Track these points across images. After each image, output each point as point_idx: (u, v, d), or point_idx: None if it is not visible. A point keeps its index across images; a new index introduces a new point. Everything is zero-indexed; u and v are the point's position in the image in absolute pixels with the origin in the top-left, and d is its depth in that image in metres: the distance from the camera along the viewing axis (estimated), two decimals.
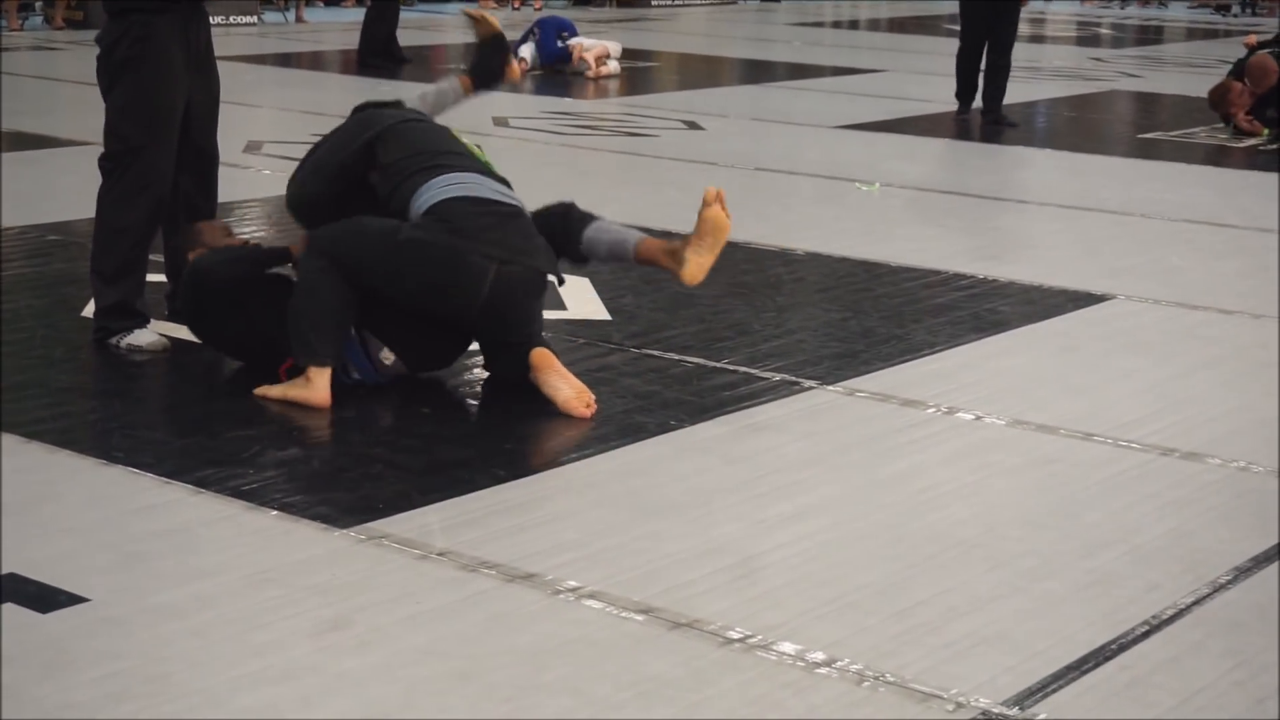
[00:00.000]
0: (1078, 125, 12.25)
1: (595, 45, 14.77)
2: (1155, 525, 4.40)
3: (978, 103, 12.04)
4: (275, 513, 4.28)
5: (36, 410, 5.07)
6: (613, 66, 14.65)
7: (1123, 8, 24.75)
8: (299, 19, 19.32)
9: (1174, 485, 4.71)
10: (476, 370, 5.66)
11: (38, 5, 18.06)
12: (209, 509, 4.31)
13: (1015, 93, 12.38)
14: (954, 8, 24.03)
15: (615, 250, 5.60)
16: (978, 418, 5.26)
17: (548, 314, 6.32)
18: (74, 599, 3.70)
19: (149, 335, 5.78)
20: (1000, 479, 4.76)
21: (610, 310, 6.44)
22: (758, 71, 15.89)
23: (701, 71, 16.18)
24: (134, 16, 5.74)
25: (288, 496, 4.39)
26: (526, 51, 14.68)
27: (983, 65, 11.92)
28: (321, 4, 21.18)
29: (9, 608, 3.65)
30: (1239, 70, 11.71)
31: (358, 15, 20.21)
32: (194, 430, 5.04)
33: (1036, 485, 4.72)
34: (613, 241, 5.62)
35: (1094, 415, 5.31)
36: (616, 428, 5.07)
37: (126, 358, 5.67)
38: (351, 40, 17.65)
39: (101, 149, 5.91)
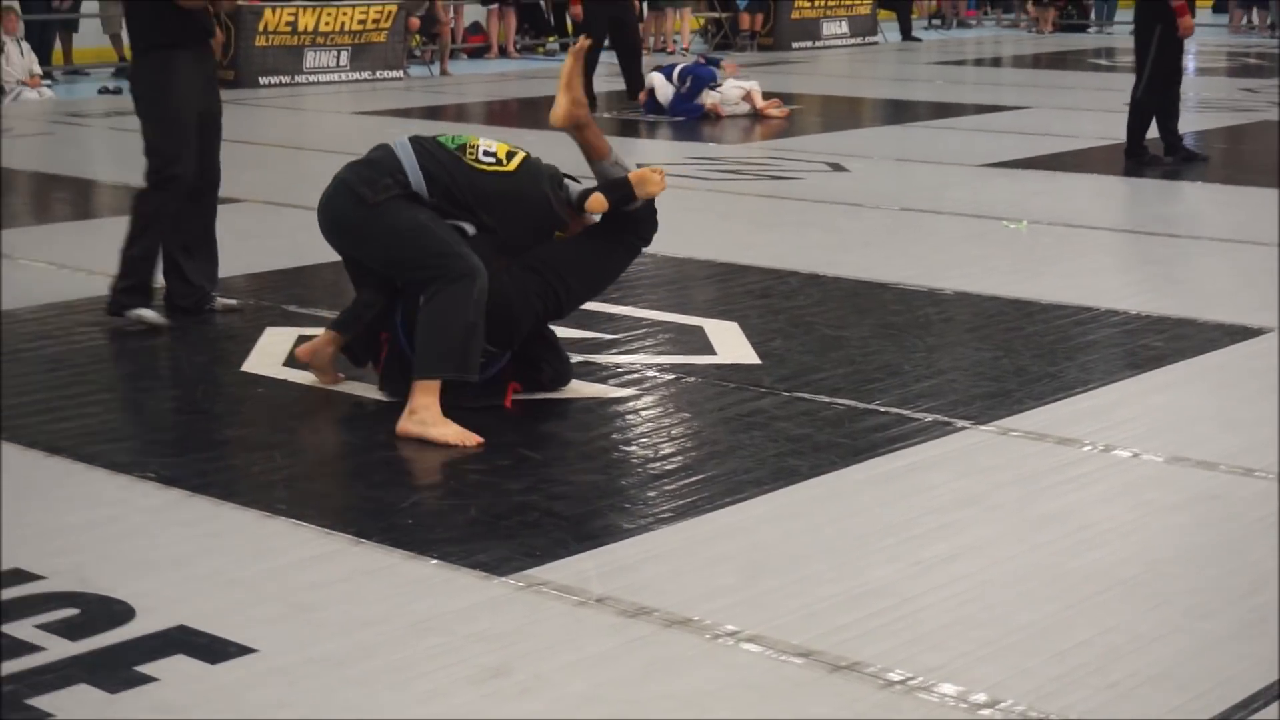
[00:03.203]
0: (1230, 157, 12.07)
1: (738, 87, 14.80)
2: None
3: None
4: (435, 561, 4.34)
5: (200, 464, 5.17)
6: (782, 108, 14.71)
7: (1273, 35, 24.40)
8: (443, 72, 19.57)
9: None
10: (619, 408, 5.70)
11: None
12: (370, 559, 4.37)
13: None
14: (1098, 42, 23.95)
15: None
16: (1135, 455, 5.21)
17: (697, 359, 6.38)
18: (242, 650, 3.78)
19: (152, 313, 6.84)
20: (1159, 516, 4.70)
21: (760, 354, 6.45)
22: (900, 111, 15.88)
23: (844, 113, 16.19)
24: (159, 52, 6.78)
25: (447, 545, 4.44)
26: (663, 86, 14.74)
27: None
28: (465, 56, 21.45)
29: (181, 658, 3.72)
30: None
31: (501, 67, 20.48)
32: (352, 480, 5.13)
33: (1197, 522, 4.67)
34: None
35: (1254, 450, 5.23)
36: (770, 471, 5.08)
37: (286, 409, 5.78)
38: (493, 91, 17.88)
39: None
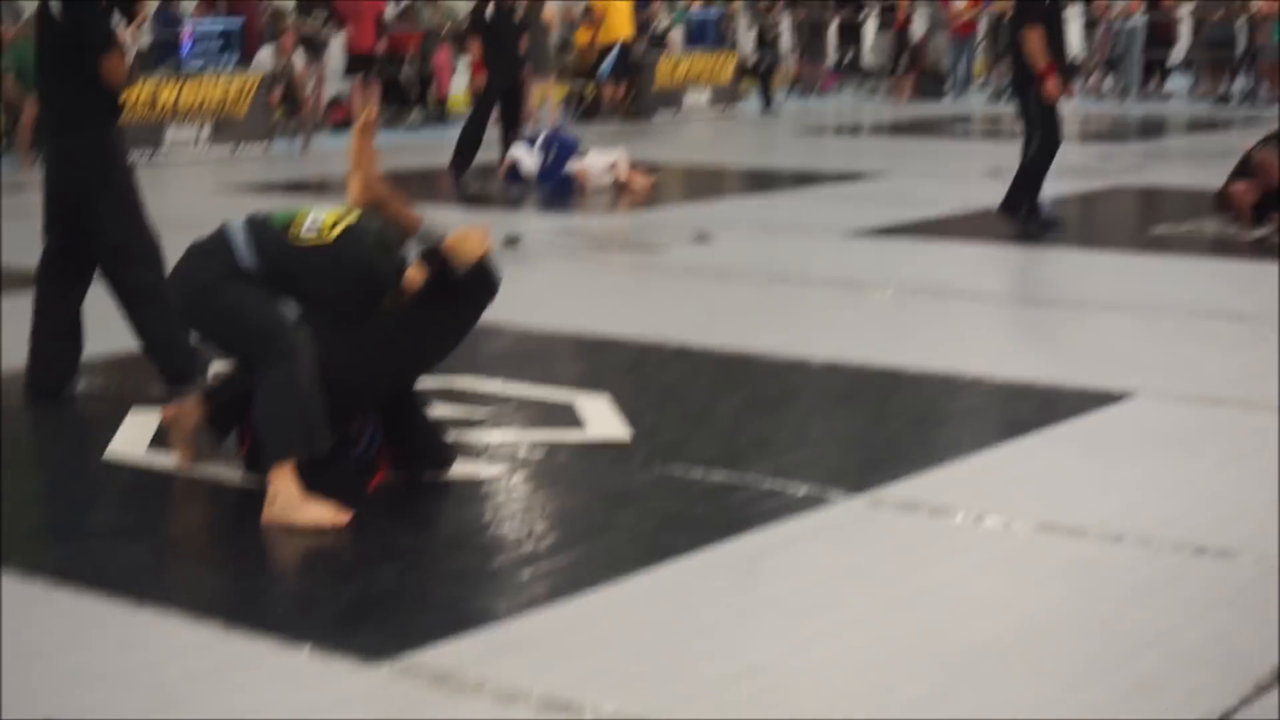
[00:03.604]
0: (1087, 221, 12.25)
1: (607, 158, 14.84)
2: (1194, 627, 4.37)
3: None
4: (308, 649, 4.25)
5: (64, 553, 5.06)
6: (647, 177, 14.75)
7: (1121, 103, 24.91)
8: (306, 146, 19.46)
9: (1210, 585, 4.68)
10: (490, 487, 5.65)
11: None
12: (241, 648, 4.28)
13: None
14: (955, 109, 24.31)
15: None
16: (1006, 524, 5.24)
17: (567, 434, 6.34)
18: None
19: None
20: (1033, 586, 4.73)
21: (631, 429, 6.42)
22: (764, 180, 15.99)
23: (708, 182, 16.27)
24: (102, 130, 6.79)
25: (320, 631, 4.36)
26: (527, 157, 14.76)
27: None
28: (328, 131, 21.36)
29: None
30: (1240, 172, 11.72)
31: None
32: (221, 567, 5.04)
33: (1070, 591, 4.69)
34: None
35: (1123, 516, 5.28)
36: (645, 548, 5.04)
37: (149, 495, 5.67)
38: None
39: None
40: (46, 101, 6.98)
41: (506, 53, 15.81)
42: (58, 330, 7.00)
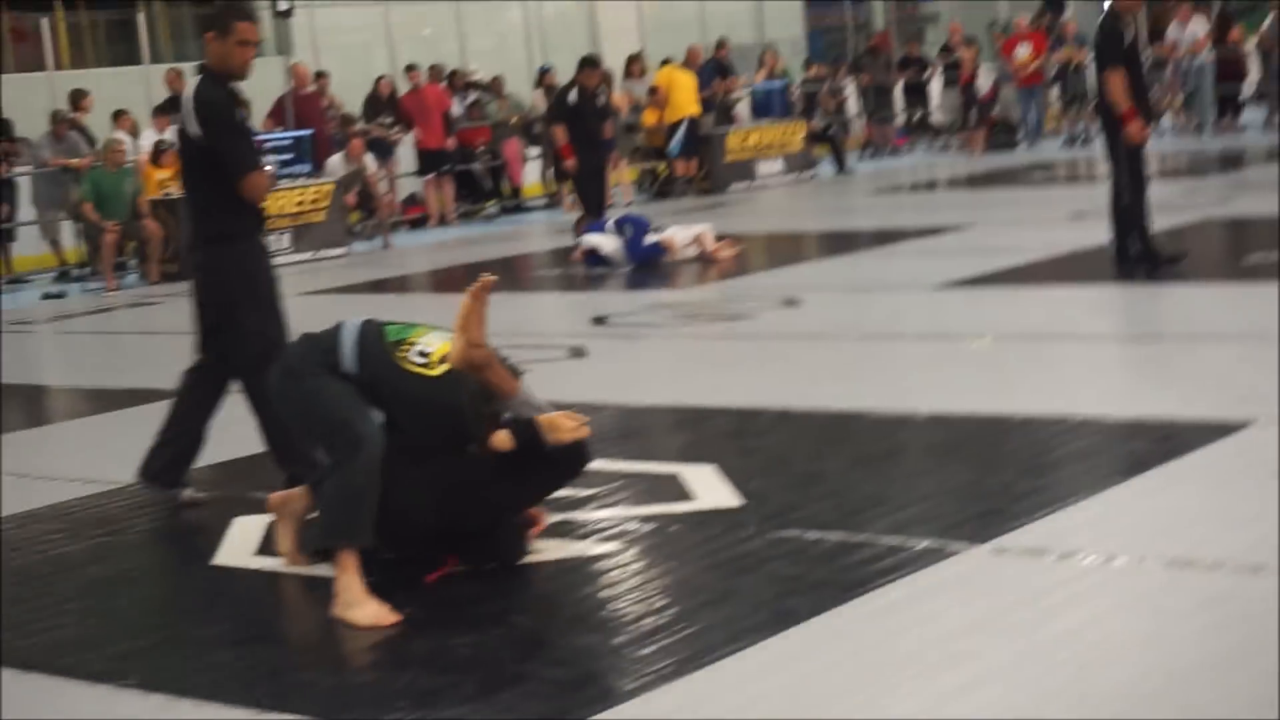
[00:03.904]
0: (1176, 248, 12.00)
1: (691, 231, 14.81)
2: None
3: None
4: None
5: (181, 665, 4.99)
6: (732, 248, 14.71)
7: (1198, 138, 24.64)
8: (386, 245, 19.55)
9: None
10: (604, 564, 5.55)
11: (132, 262, 18.35)
12: None
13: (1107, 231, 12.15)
14: (1029, 158, 24.14)
15: None
16: (1138, 561, 5.08)
17: (675, 507, 6.24)
18: None
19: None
20: (1173, 625, 4.57)
21: (741, 495, 6.31)
22: (845, 242, 15.85)
23: (789, 248, 16.17)
24: (242, 241, 6.92)
25: None
26: (603, 243, 14.74)
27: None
28: (406, 228, 21.46)
29: None
30: None
31: (442, 235, 20.48)
32: (340, 667, 4.96)
33: (1212, 627, 4.52)
34: None
35: (1257, 547, 5.11)
36: (768, 615, 4.92)
37: (261, 600, 5.62)
38: (437, 259, 17.84)
39: None
40: (193, 216, 7.17)
41: (591, 137, 15.89)
42: (184, 434, 7.12)
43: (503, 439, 5.56)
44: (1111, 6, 11.32)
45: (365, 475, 5.39)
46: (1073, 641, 4.49)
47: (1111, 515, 5.65)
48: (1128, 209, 11.31)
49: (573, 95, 16.17)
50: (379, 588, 5.31)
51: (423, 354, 5.61)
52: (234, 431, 8.55)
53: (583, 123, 15.95)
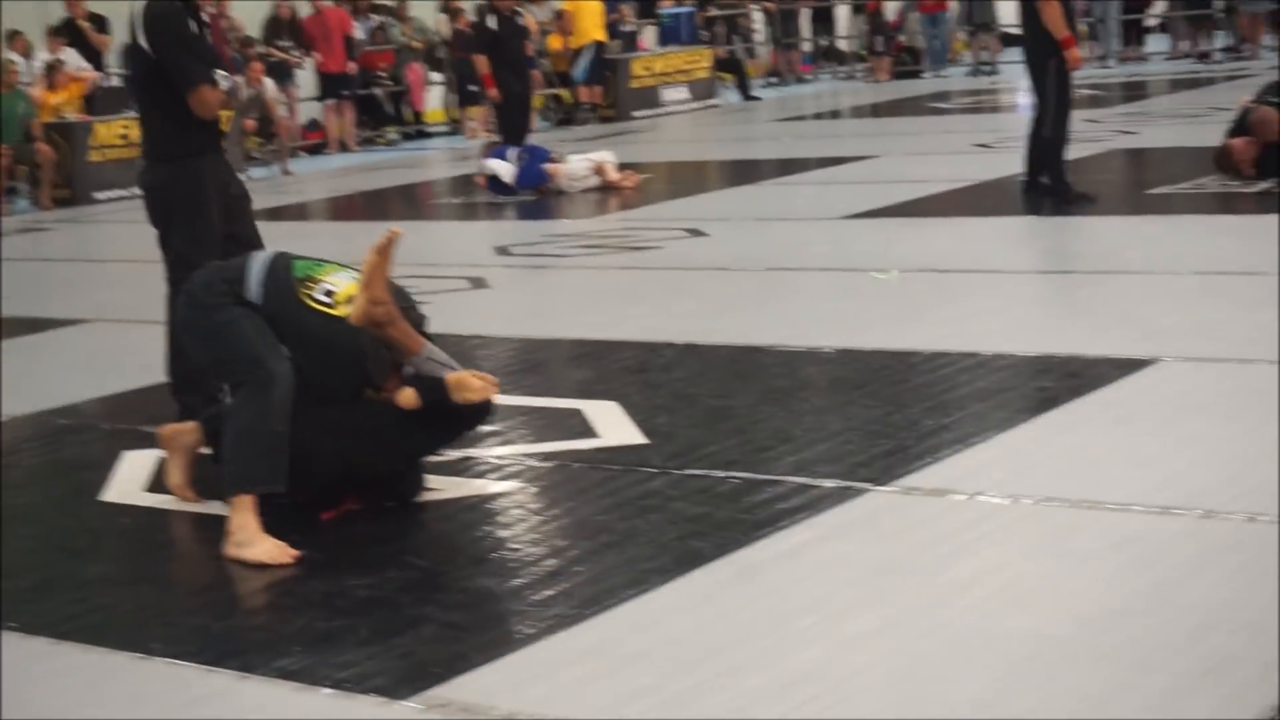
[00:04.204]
0: (1086, 187, 11.96)
1: (586, 160, 14.66)
2: (1258, 598, 4.14)
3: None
4: (328, 691, 4.03)
5: (66, 607, 4.83)
6: (633, 177, 14.56)
7: (1102, 66, 24.66)
8: (285, 171, 19.24)
9: (1268, 552, 4.45)
10: (504, 503, 5.43)
11: (24, 187, 17.96)
12: (260, 695, 4.06)
13: (1016, 162, 12.11)
14: (934, 86, 24.11)
15: None
16: (1046, 501, 5.01)
17: (577, 444, 6.12)
18: None
19: None
20: (1082, 566, 4.50)
21: (645, 433, 6.20)
22: (750, 171, 15.75)
23: (693, 177, 16.06)
24: (187, 161, 6.68)
25: (339, 672, 4.14)
26: (502, 169, 14.54)
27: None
28: (305, 154, 21.14)
29: None
30: (1238, 129, 11.49)
31: (343, 162, 20.18)
32: (231, 610, 4.82)
33: (1122, 569, 4.46)
34: None
35: (1167, 486, 5.06)
36: (673, 556, 4.82)
37: (150, 538, 5.46)
38: (336, 186, 17.58)
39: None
40: (143, 134, 6.98)
41: (514, 62, 15.52)
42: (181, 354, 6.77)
43: (409, 397, 5.41)
44: None
45: (277, 416, 5.22)
46: (980, 585, 4.41)
47: (1019, 454, 5.57)
48: (1049, 141, 11.26)
49: (491, 20, 15.81)
50: (270, 528, 5.16)
51: (328, 292, 5.46)
52: (125, 362, 8.38)
53: (504, 48, 15.56)
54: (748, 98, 24.89)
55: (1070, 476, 5.25)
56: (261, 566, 5.02)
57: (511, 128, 15.52)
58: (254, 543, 5.10)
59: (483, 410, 5.56)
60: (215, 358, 5.49)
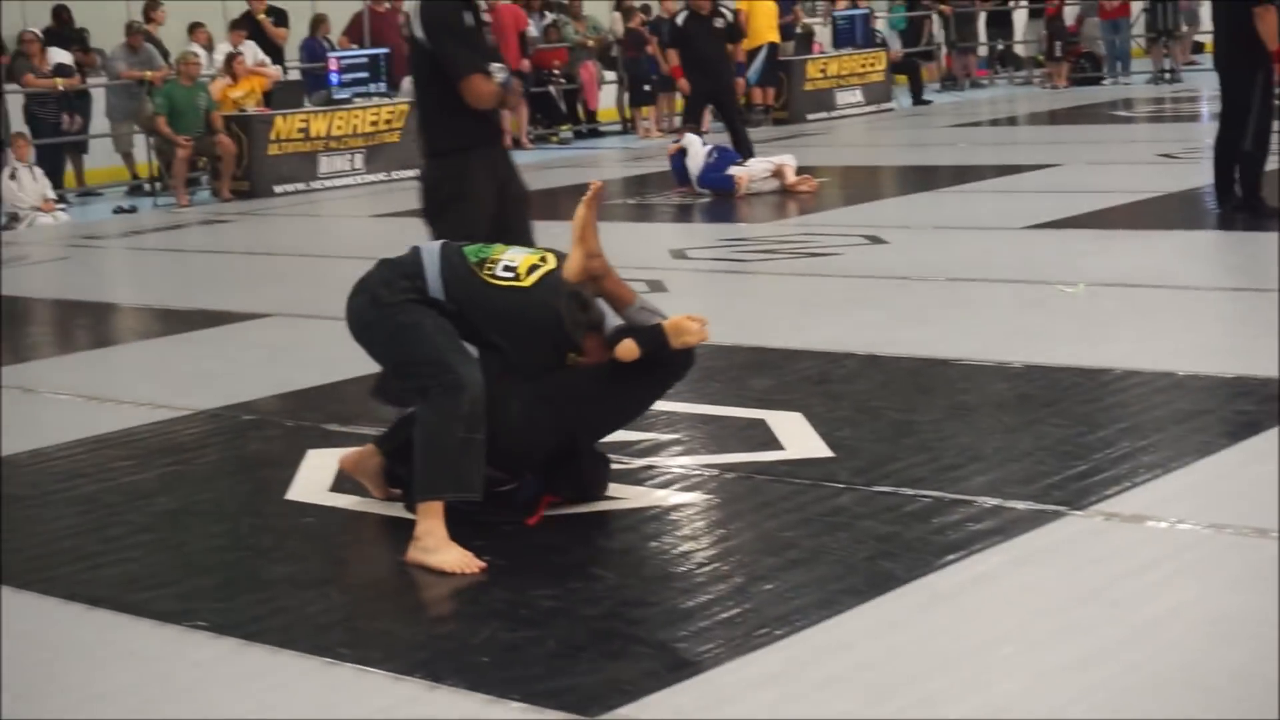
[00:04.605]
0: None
1: (767, 163, 14.57)
2: None
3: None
4: (518, 704, 3.98)
5: (252, 608, 4.83)
6: (811, 182, 14.48)
7: None
8: None
9: None
10: (688, 514, 5.36)
11: (204, 179, 18.23)
12: (448, 706, 4.02)
13: (1203, 174, 11.79)
14: (1113, 94, 23.69)
15: None
16: (1257, 533, 4.83)
17: (761, 455, 6.04)
18: None
19: None
20: None
21: (830, 446, 6.09)
22: (928, 178, 15.55)
23: (870, 183, 15.90)
24: (457, 155, 6.70)
25: (529, 685, 4.08)
26: (696, 149, 14.49)
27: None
28: None
29: None
30: None
31: (517, 159, 20.29)
32: (417, 616, 4.80)
33: None
34: None
35: None
36: (864, 577, 4.71)
37: (336, 541, 5.46)
38: None
39: None
40: (420, 129, 7.08)
41: (702, 61, 15.44)
42: None
43: (629, 348, 5.34)
44: None
45: (469, 422, 5.15)
46: (1187, 618, 4.26)
47: (1221, 481, 5.40)
48: (1250, 156, 10.93)
49: (681, 18, 15.84)
50: (454, 534, 5.13)
51: (508, 268, 5.42)
52: (306, 358, 8.43)
53: (691, 46, 15.55)
54: (919, 102, 24.63)
55: (1276, 507, 5.06)
56: (446, 574, 4.98)
57: (691, 119, 15.54)
58: (440, 550, 5.06)
59: (687, 360, 5.51)
60: (398, 361, 5.44)
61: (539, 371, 5.43)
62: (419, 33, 6.67)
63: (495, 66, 6.74)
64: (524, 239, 6.64)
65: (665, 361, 5.45)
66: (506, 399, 5.31)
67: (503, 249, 5.56)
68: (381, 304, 5.40)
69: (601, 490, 5.61)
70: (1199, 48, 26.71)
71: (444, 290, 5.39)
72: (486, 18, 6.96)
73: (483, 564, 5.01)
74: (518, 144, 21.60)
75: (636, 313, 5.47)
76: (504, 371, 5.36)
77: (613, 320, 5.46)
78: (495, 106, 6.82)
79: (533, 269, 5.41)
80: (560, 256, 5.53)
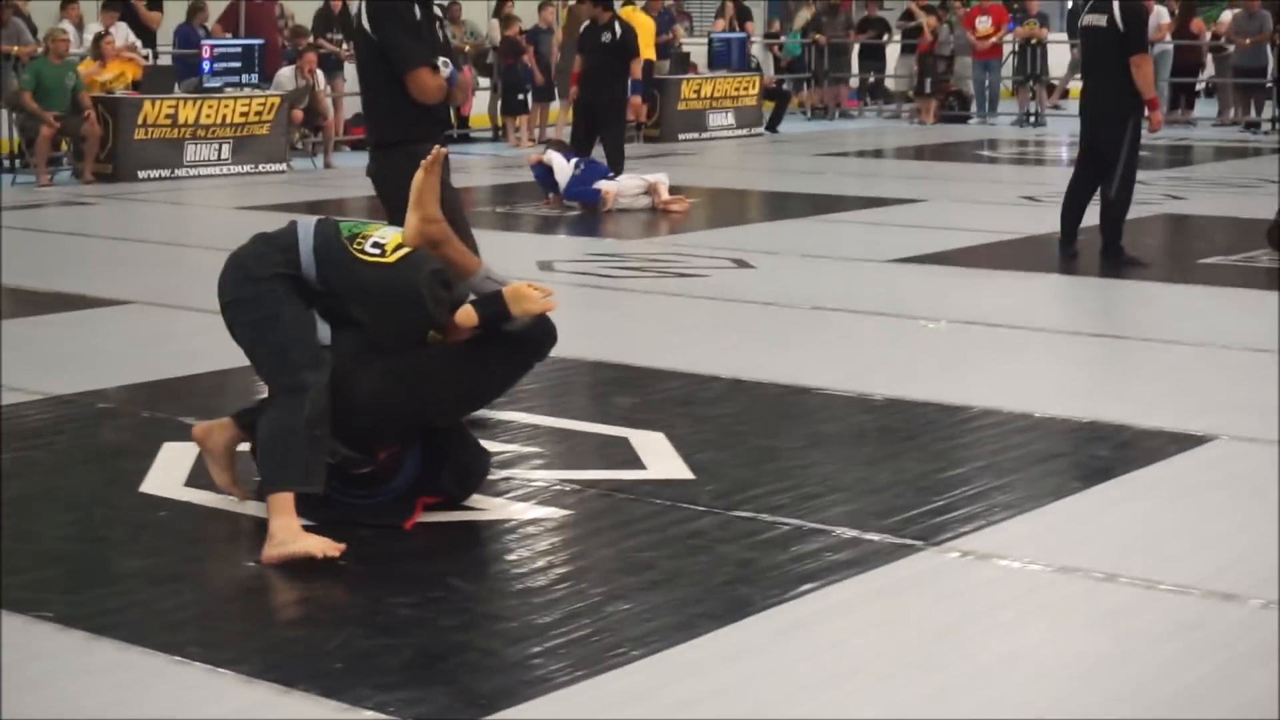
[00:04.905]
0: (1137, 251, 11.83)
1: (640, 179, 14.61)
2: None
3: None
4: (371, 714, 3.95)
5: (104, 600, 4.75)
6: (684, 202, 14.53)
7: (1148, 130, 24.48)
8: (327, 164, 19.19)
9: None
10: (548, 529, 5.35)
11: (65, 159, 17.91)
12: (299, 712, 3.98)
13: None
14: (980, 134, 23.99)
15: None
16: (1108, 578, 4.91)
17: (626, 474, 6.05)
18: None
19: None
20: (1146, 649, 4.40)
21: (691, 468, 6.11)
22: (796, 205, 15.65)
23: (739, 206, 15.99)
24: (402, 147, 6.59)
25: (383, 694, 4.05)
26: (559, 164, 14.47)
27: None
28: (348, 149, 21.08)
29: None
30: None
31: None
32: (271, 618, 4.75)
33: (1186, 655, 4.36)
34: None
35: (1228, 572, 4.96)
36: (721, 602, 4.73)
37: (190, 536, 5.38)
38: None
39: None
40: (367, 121, 7.01)
41: (590, 73, 15.36)
42: None
43: (467, 314, 5.32)
44: None
45: (310, 420, 5.17)
46: (1037, 660, 4.33)
47: (1074, 524, 5.49)
48: (1114, 204, 11.15)
49: (583, 26, 15.87)
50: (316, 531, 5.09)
51: (377, 245, 5.40)
52: (167, 348, 8.32)
53: (583, 56, 15.53)
54: (775, 129, 24.72)
55: (1129, 553, 5.16)
56: (309, 559, 4.97)
57: (577, 137, 15.47)
58: (297, 540, 5.05)
59: (547, 336, 5.48)
60: (252, 349, 5.44)
61: (399, 348, 5.40)
62: (366, 25, 6.66)
63: (442, 61, 6.70)
64: (464, 229, 6.62)
65: (525, 339, 5.42)
66: (354, 378, 5.31)
67: (376, 227, 5.56)
68: (251, 277, 5.37)
69: (480, 481, 5.60)
70: (1065, 94, 27.12)
71: (315, 264, 5.37)
72: (438, 12, 6.91)
73: (341, 546, 5.01)
74: None
75: (480, 282, 5.44)
76: (360, 349, 5.34)
77: (465, 292, 5.43)
78: (441, 101, 6.78)
79: (399, 246, 5.40)
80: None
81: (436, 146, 5.62)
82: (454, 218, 6.67)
